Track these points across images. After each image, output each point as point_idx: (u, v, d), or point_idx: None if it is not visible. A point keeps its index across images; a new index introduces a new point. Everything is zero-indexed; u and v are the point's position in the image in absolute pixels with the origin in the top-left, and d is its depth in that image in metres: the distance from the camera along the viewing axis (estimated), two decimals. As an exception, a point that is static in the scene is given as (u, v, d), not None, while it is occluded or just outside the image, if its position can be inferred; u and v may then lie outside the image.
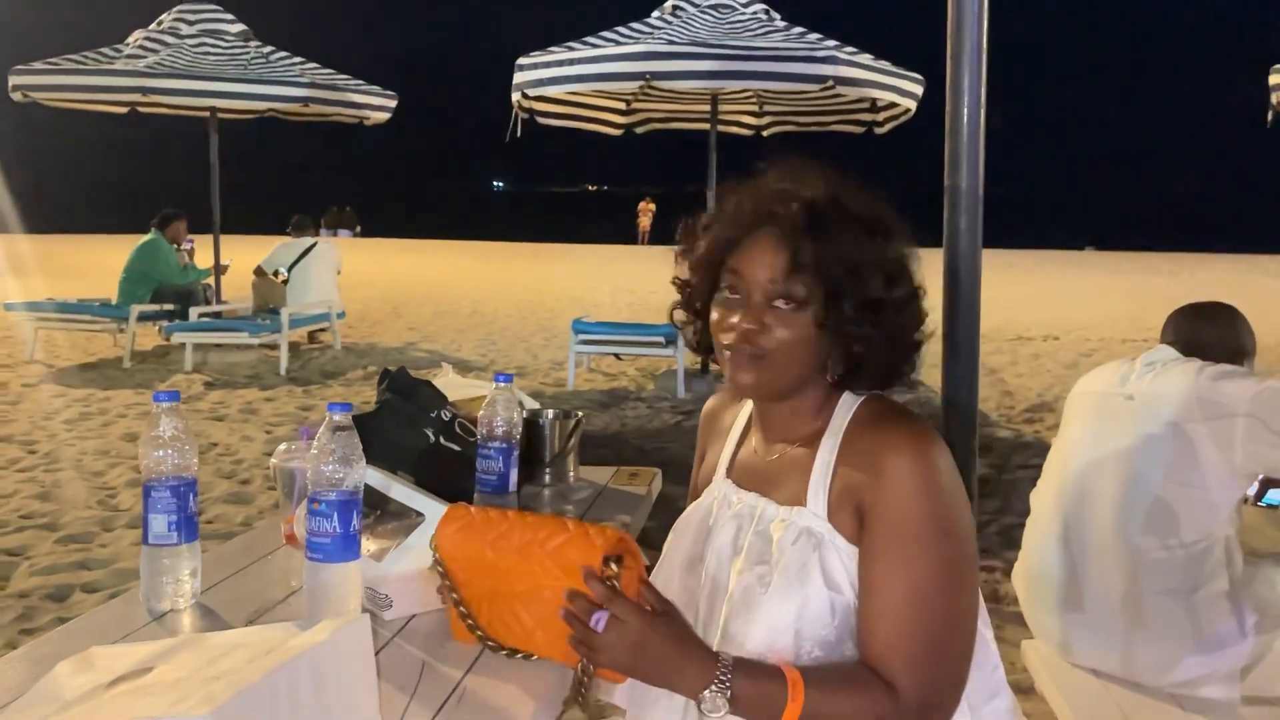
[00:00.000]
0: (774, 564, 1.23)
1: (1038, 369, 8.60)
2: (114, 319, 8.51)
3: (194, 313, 8.63)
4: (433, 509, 1.48)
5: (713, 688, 1.12)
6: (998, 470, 5.20)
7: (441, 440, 2.05)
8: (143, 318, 8.60)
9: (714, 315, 1.30)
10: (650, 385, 7.63)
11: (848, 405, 1.29)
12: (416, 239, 32.58)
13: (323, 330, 9.53)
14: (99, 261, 16.35)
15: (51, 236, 26.07)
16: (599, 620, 1.14)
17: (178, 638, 1.14)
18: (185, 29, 8.48)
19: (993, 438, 5.97)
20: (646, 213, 33.55)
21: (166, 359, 8.55)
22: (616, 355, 8.03)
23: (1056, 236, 34.47)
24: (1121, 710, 2.09)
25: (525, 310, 12.99)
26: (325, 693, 1.00)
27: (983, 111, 1.79)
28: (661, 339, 7.19)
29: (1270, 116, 6.55)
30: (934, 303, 1.36)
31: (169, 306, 8.83)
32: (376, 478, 1.53)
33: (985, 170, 2.11)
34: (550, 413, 2.29)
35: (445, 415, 2.09)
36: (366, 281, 15.95)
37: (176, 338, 8.21)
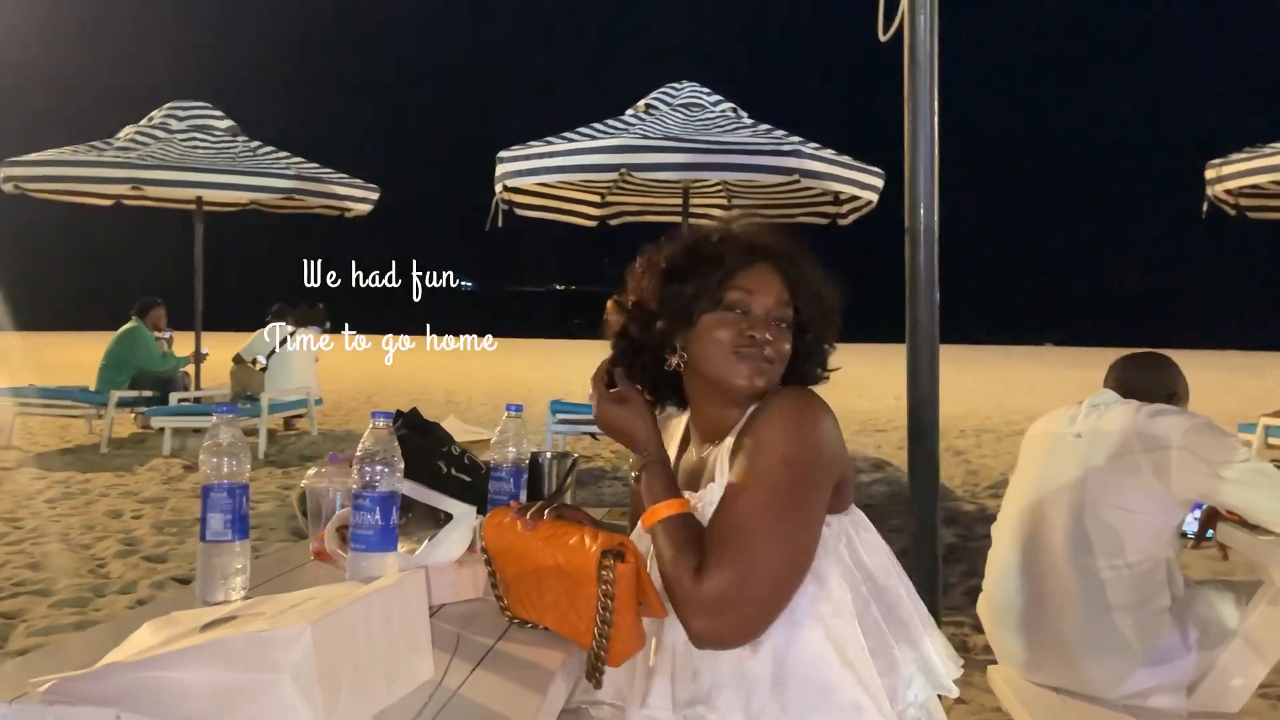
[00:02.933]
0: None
1: (1000, 451, 8.87)
2: (94, 404, 8.59)
3: (174, 398, 8.73)
4: (462, 509, 1.66)
5: (645, 456, 1.50)
6: (963, 539, 5.40)
7: (452, 471, 2.23)
8: (122, 404, 8.70)
9: (722, 330, 1.49)
10: (624, 465, 7.79)
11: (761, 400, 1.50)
12: (385, 333, 32.71)
13: (299, 416, 9.64)
14: (77, 357, 16.40)
15: (30, 334, 26.07)
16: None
17: (251, 599, 1.31)
18: (175, 124, 8.79)
19: (958, 510, 6.18)
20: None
21: (144, 445, 8.61)
22: (593, 435, 8.22)
23: (1019, 333, 35.34)
24: (1081, 723, 2.26)
25: (499, 398, 13.15)
26: (392, 623, 1.18)
27: (936, 166, 2.06)
28: (637, 420, 7.39)
29: (1206, 207, 6.99)
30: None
31: (148, 393, 8.94)
32: (410, 486, 1.71)
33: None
34: (549, 453, 2.48)
35: (455, 450, 2.28)
36: (338, 374, 16.06)
37: (156, 422, 8.29)
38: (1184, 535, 2.59)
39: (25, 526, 5.43)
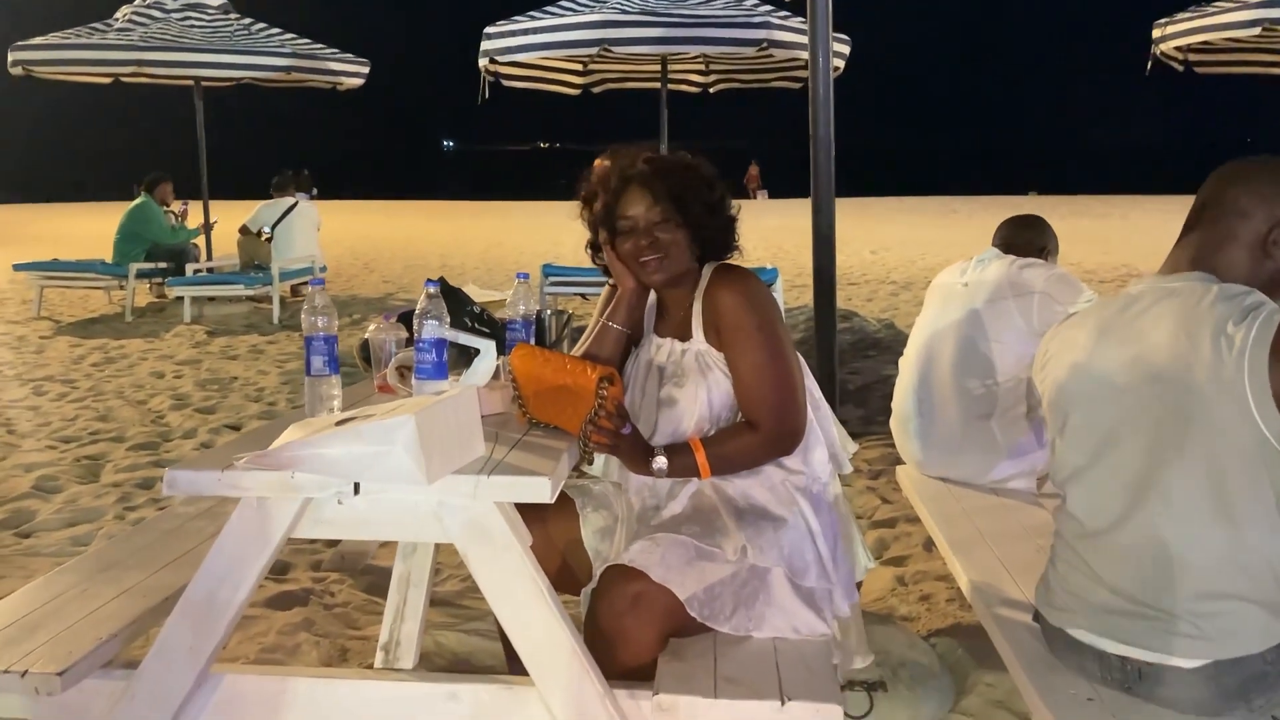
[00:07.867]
0: (683, 370, 2.15)
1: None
2: (115, 276, 9.18)
3: (189, 269, 9.31)
4: (487, 345, 2.31)
5: (658, 457, 2.03)
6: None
7: (476, 326, 2.89)
8: (140, 275, 9.28)
9: (624, 247, 2.15)
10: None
11: (706, 275, 2.18)
12: (374, 199, 32.90)
13: (305, 284, 10.22)
14: (87, 228, 16.81)
15: (35, 205, 26.47)
16: (627, 428, 2.01)
17: (360, 407, 1.97)
18: (170, 3, 9.07)
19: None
20: (602, 169, 34.23)
21: (164, 313, 9.24)
22: (583, 295, 8.85)
23: (1001, 183, 35.67)
24: (959, 503, 2.97)
25: (492, 263, 13.73)
26: (460, 416, 1.84)
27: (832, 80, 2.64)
28: (623, 279, 8.01)
29: (1150, 66, 7.48)
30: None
31: (163, 265, 9.51)
32: (449, 332, 2.35)
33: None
34: (549, 310, 3.13)
35: (476, 309, 2.93)
36: (334, 240, 16.50)
37: (176, 291, 8.91)
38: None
39: (82, 387, 6.12)
